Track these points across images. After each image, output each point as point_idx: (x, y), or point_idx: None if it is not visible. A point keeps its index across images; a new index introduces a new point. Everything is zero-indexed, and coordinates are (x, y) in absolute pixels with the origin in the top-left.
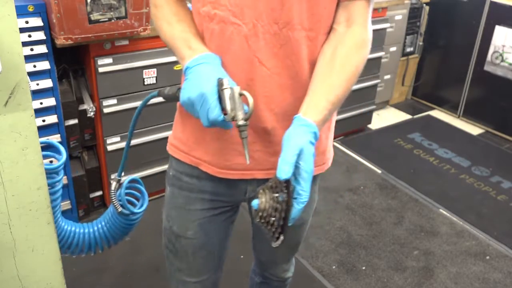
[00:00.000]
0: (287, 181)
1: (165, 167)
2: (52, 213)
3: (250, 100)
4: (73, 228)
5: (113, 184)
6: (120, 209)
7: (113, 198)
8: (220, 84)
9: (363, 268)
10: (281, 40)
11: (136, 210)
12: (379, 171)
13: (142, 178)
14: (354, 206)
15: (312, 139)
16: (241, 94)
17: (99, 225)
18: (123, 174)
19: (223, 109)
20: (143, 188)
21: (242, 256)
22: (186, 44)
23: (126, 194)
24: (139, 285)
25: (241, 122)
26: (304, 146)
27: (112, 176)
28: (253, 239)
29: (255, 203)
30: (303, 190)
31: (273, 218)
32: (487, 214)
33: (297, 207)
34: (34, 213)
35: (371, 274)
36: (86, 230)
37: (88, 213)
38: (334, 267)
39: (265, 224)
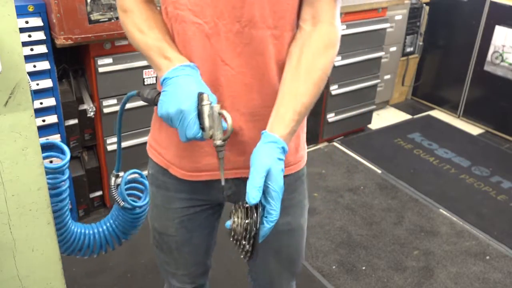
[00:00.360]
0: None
1: None
2: (52, 213)
3: (229, 120)
4: (83, 230)
5: (112, 179)
6: (122, 203)
7: (113, 193)
8: (200, 99)
9: (363, 268)
10: (244, 39)
11: (138, 204)
12: (379, 171)
13: None
14: (354, 206)
15: (280, 155)
16: (220, 113)
17: (108, 223)
18: (121, 173)
19: (200, 123)
20: (145, 181)
21: (242, 256)
22: (161, 53)
23: (129, 188)
24: (139, 285)
25: (218, 142)
26: (271, 166)
27: None
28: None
29: (228, 223)
30: (273, 209)
31: (244, 239)
32: (487, 214)
33: (267, 226)
34: (34, 213)
35: (371, 274)
36: (96, 230)
37: (88, 213)
38: (334, 267)
39: (237, 242)
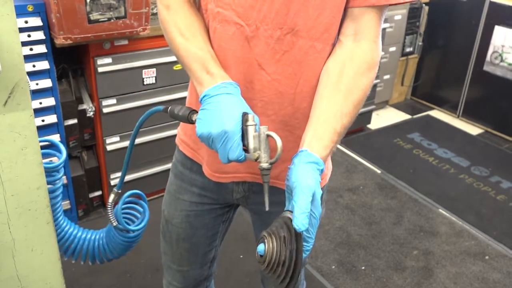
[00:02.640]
0: (294, 230)
1: (163, 167)
2: (51, 212)
3: (279, 142)
4: (75, 232)
5: (111, 197)
6: (115, 223)
7: (109, 211)
8: (244, 119)
9: (363, 268)
10: (284, 46)
11: (131, 228)
12: (379, 171)
13: (141, 178)
14: (353, 206)
15: (320, 178)
16: (268, 135)
17: (100, 235)
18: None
19: (244, 145)
20: (145, 205)
21: (241, 256)
22: (204, 66)
23: (127, 208)
24: (138, 285)
25: (265, 165)
26: (316, 190)
27: (112, 176)
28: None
29: (261, 248)
30: (310, 237)
31: (281, 265)
32: (487, 214)
33: (303, 254)
34: (34, 212)
35: (370, 274)
36: (89, 236)
37: (87, 213)
38: (333, 267)
39: (272, 271)
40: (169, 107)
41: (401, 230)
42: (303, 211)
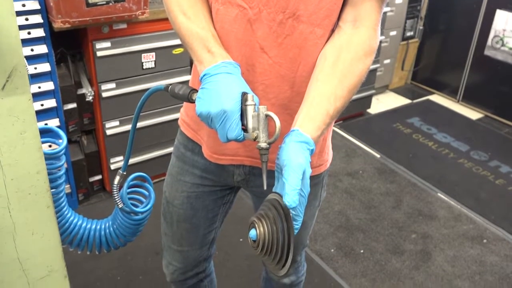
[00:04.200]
0: (283, 208)
1: (165, 151)
2: (51, 197)
3: (277, 122)
4: (80, 222)
5: (117, 179)
6: (121, 205)
7: (114, 193)
8: (244, 99)
9: (361, 251)
10: (286, 30)
11: (138, 210)
12: (378, 156)
13: (142, 162)
14: (352, 190)
15: (309, 158)
16: (267, 115)
17: (107, 224)
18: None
19: (243, 124)
20: (151, 187)
21: (241, 239)
22: (205, 45)
23: (132, 192)
24: (139, 268)
25: (263, 145)
26: (306, 168)
27: (112, 161)
28: None
29: (252, 233)
30: (298, 216)
31: (275, 248)
32: (485, 198)
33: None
34: (34, 197)
35: (369, 257)
36: (94, 227)
37: (87, 197)
38: (332, 250)
39: (267, 254)
40: (170, 86)
41: (400, 214)
42: (294, 188)
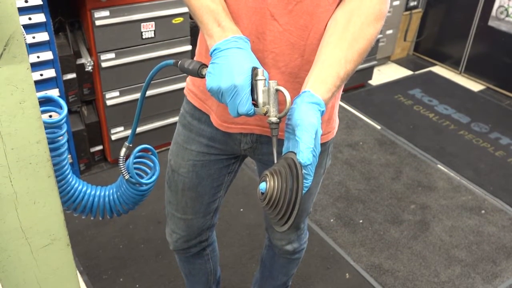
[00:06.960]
0: (297, 165)
1: (169, 121)
2: (52, 166)
3: (288, 97)
4: (85, 188)
5: (123, 150)
6: (127, 176)
7: (121, 164)
8: (254, 74)
9: (360, 221)
10: None
11: (144, 181)
12: (379, 127)
13: (146, 132)
14: (353, 161)
15: (320, 119)
16: (277, 90)
17: (111, 191)
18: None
19: (253, 99)
20: (155, 159)
21: (241, 210)
22: (215, 18)
23: (138, 163)
24: (140, 236)
25: (274, 119)
26: (318, 128)
27: (112, 131)
28: None
29: (262, 186)
30: (309, 175)
31: (281, 203)
32: (484, 170)
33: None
34: (34, 166)
35: (368, 227)
36: (98, 193)
37: (89, 167)
38: (332, 220)
39: (272, 208)
40: (179, 61)
41: (399, 185)
42: (308, 146)
